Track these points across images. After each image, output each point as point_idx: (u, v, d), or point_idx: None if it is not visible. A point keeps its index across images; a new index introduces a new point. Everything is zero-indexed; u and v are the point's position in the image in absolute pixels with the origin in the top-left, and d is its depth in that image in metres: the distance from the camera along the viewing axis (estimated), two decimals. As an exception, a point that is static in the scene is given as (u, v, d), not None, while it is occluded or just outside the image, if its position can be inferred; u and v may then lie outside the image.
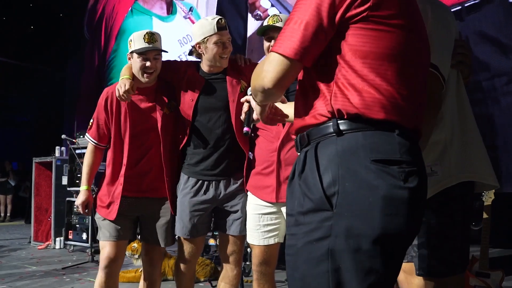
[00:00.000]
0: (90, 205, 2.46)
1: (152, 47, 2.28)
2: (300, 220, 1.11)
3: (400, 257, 1.10)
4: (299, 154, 1.22)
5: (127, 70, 2.35)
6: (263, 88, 1.15)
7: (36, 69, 10.46)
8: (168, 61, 2.45)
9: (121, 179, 2.34)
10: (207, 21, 2.27)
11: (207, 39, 2.26)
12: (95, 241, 4.80)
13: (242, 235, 2.32)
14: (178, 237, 2.38)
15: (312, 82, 1.17)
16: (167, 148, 2.36)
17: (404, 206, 1.04)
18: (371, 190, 1.03)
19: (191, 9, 6.59)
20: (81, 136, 4.86)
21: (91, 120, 2.44)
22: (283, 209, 2.20)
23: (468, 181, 1.50)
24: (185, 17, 6.56)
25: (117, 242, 2.34)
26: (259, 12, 5.83)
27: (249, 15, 5.86)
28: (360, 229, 1.03)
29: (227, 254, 2.35)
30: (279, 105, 1.82)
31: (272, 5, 5.58)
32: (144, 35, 2.29)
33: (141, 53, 2.27)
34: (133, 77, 2.32)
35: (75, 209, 5.35)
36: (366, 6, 1.09)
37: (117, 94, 2.24)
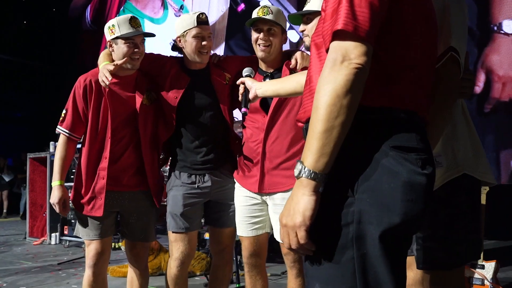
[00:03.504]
0: (67, 202, 2.31)
1: (140, 31, 2.23)
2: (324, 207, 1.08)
3: (409, 244, 1.12)
4: None
5: (106, 57, 2.26)
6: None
7: (30, 65, 10.40)
8: (151, 54, 2.39)
9: (102, 173, 2.24)
10: (188, 15, 2.26)
11: (187, 33, 2.24)
12: (90, 236, 4.78)
13: (233, 228, 2.32)
14: (172, 232, 2.32)
15: (319, 73, 1.11)
16: (146, 141, 2.30)
17: (422, 192, 1.05)
18: (392, 176, 1.03)
19: (181, 7, 6.54)
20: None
21: (64, 111, 2.31)
22: (267, 200, 2.22)
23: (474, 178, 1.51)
24: (176, 15, 6.51)
25: (102, 239, 2.27)
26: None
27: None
28: (382, 215, 1.03)
29: (219, 248, 2.35)
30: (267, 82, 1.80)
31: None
32: (130, 20, 2.22)
33: (129, 38, 2.20)
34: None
35: (70, 205, 5.32)
36: None
37: (103, 77, 2.14)
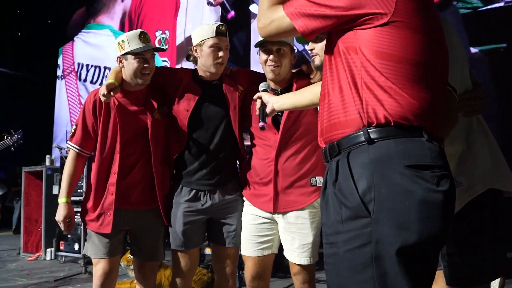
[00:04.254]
0: (73, 220, 2.28)
1: (150, 46, 2.22)
2: (339, 228, 1.13)
3: (435, 260, 1.14)
4: (328, 164, 1.24)
5: (113, 74, 2.25)
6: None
7: (25, 77, 10.32)
8: (163, 67, 2.39)
9: (111, 189, 2.21)
10: (208, 25, 2.24)
11: (204, 42, 2.22)
12: (87, 251, 4.71)
13: (236, 247, 2.28)
14: (173, 249, 2.30)
15: (336, 89, 1.18)
16: (158, 156, 2.27)
17: (439, 209, 1.07)
18: (407, 195, 1.06)
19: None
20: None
21: (74, 127, 2.30)
22: (278, 219, 2.18)
23: (495, 188, 1.51)
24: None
25: (110, 258, 2.23)
26: (211, 0, 5.84)
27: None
28: (398, 234, 1.05)
29: (221, 266, 2.30)
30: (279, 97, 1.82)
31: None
32: (140, 35, 2.21)
33: (139, 53, 2.19)
34: (122, 81, 2.24)
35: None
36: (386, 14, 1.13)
37: (102, 99, 2.15)
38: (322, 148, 1.28)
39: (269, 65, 2.17)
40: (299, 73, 2.26)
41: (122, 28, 7.48)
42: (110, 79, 2.22)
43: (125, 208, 2.25)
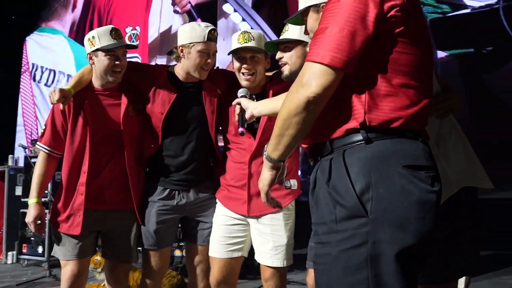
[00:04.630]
0: (44, 221, 2.21)
1: (122, 43, 2.14)
2: (333, 228, 1.12)
3: (427, 260, 1.15)
4: (317, 163, 1.23)
5: (77, 77, 2.17)
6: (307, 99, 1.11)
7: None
8: (136, 63, 2.31)
9: (81, 189, 2.14)
10: (200, 27, 2.14)
11: (193, 45, 2.13)
12: (51, 253, 4.55)
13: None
14: (144, 249, 2.25)
15: (336, 93, 1.15)
16: (132, 155, 2.20)
17: (433, 210, 1.09)
18: (405, 195, 1.07)
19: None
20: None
21: (43, 127, 2.23)
22: (252, 222, 2.16)
23: (471, 187, 1.52)
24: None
25: (80, 260, 2.16)
26: (177, 8, 5.84)
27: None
28: (397, 234, 1.05)
29: (195, 265, 2.25)
30: (257, 102, 1.80)
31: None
32: (111, 31, 2.13)
33: (110, 49, 2.11)
34: (91, 80, 2.18)
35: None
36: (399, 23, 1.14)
37: (49, 101, 2.08)
38: (307, 147, 1.28)
39: (243, 73, 2.13)
40: (273, 78, 2.23)
41: (74, 36, 7.38)
42: (69, 84, 2.14)
43: (97, 208, 2.18)
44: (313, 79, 1.09)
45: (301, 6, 1.71)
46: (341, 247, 1.09)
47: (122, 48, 2.15)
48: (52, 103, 2.08)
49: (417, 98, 1.15)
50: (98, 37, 2.12)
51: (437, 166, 1.16)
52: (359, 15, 1.09)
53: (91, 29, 6.95)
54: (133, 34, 6.34)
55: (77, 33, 7.25)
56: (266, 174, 1.31)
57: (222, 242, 2.16)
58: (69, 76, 7.26)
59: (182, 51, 2.17)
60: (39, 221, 2.19)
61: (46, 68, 7.65)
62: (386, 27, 1.11)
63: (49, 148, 2.19)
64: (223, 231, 2.17)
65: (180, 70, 2.23)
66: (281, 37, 2.06)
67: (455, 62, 4.56)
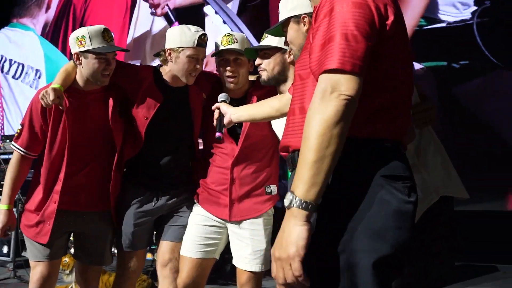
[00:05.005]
0: (13, 228, 2.14)
1: (114, 46, 2.07)
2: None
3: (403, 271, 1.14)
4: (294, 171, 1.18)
5: (62, 75, 2.06)
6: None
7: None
8: (122, 62, 2.23)
9: (55, 196, 2.07)
10: (190, 32, 2.11)
11: (182, 50, 2.10)
12: (17, 255, 4.42)
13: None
14: (120, 251, 2.22)
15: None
16: (113, 158, 2.15)
17: (410, 220, 1.09)
18: (383, 205, 1.06)
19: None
20: (7, 140, 4.44)
21: (19, 127, 2.12)
22: (230, 226, 2.16)
23: (447, 197, 1.55)
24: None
25: (50, 261, 2.10)
26: (153, 10, 5.82)
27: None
28: (374, 243, 1.05)
29: (165, 263, 2.20)
30: (236, 108, 1.81)
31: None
32: (103, 32, 2.03)
33: (101, 53, 2.02)
34: (74, 80, 2.09)
35: None
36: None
37: (43, 104, 1.98)
38: (288, 155, 1.26)
39: (227, 76, 2.13)
40: (255, 82, 2.23)
41: (46, 35, 7.24)
42: (57, 83, 2.03)
43: (69, 209, 2.11)
44: (340, 85, 1.03)
45: (282, 17, 1.72)
46: (319, 257, 1.08)
47: (112, 52, 2.08)
48: (46, 105, 1.97)
49: (397, 108, 1.16)
50: (90, 37, 2.02)
51: (414, 177, 1.17)
52: (366, 21, 1.08)
53: (66, 30, 6.81)
54: None
55: (51, 33, 7.10)
56: (299, 232, 1.01)
57: (197, 241, 2.15)
58: (37, 70, 7.11)
59: (170, 54, 2.14)
60: (8, 229, 2.11)
61: (15, 61, 7.49)
62: (383, 36, 1.12)
63: (25, 150, 2.10)
64: (199, 230, 2.16)
65: (167, 73, 2.20)
66: (260, 44, 2.08)
67: (430, 74, 4.65)
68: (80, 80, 2.11)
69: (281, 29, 1.74)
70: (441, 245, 1.56)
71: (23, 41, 7.51)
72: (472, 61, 4.56)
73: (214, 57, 2.22)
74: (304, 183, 1.01)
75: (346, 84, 1.03)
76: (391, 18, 1.13)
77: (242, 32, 5.21)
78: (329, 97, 1.02)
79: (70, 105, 2.06)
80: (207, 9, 5.52)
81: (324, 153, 1.01)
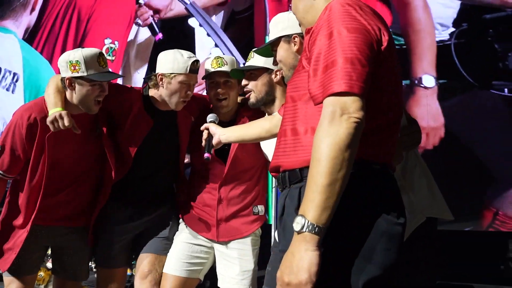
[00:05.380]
0: None
1: (109, 73, 2.03)
2: None
3: None
4: (286, 190, 1.23)
5: (57, 96, 1.99)
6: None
7: None
8: (112, 86, 2.21)
9: (28, 227, 2.01)
10: (182, 58, 2.11)
11: (174, 76, 2.10)
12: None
13: (164, 256, 2.19)
14: (98, 269, 2.21)
15: (308, 120, 1.18)
16: (96, 179, 2.16)
17: (398, 241, 1.11)
18: (372, 226, 1.08)
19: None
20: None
21: None
22: (217, 246, 2.16)
23: (431, 217, 1.59)
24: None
25: (25, 277, 2.06)
26: (139, 21, 5.83)
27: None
28: (363, 264, 1.06)
29: (144, 275, 2.15)
30: (226, 129, 1.82)
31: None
32: (98, 58, 1.96)
33: (97, 80, 1.97)
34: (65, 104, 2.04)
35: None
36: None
37: (52, 129, 1.94)
38: (279, 175, 1.27)
39: (217, 98, 2.15)
40: (244, 104, 2.26)
41: (27, 39, 7.09)
42: (59, 106, 1.95)
43: (48, 225, 2.09)
44: (348, 107, 1.04)
45: (272, 36, 1.74)
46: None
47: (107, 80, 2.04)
48: (55, 130, 1.93)
49: (387, 130, 1.19)
50: (85, 64, 1.95)
51: (402, 199, 1.19)
52: (367, 46, 1.11)
53: (66, 34, 6.62)
54: (111, 48, 6.06)
55: (33, 36, 6.93)
56: (312, 257, 1.01)
57: (182, 259, 2.14)
58: (15, 74, 6.95)
59: (161, 79, 2.13)
60: None
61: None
62: (378, 60, 1.15)
63: (3, 172, 2.03)
64: (185, 248, 2.15)
65: (156, 98, 2.19)
66: (246, 64, 2.11)
67: (408, 91, 4.75)
68: (69, 103, 2.05)
69: (270, 49, 1.77)
70: (426, 264, 1.59)
71: (2, 45, 7.36)
72: (450, 80, 4.69)
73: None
74: (316, 206, 1.01)
75: (354, 106, 1.04)
76: (385, 42, 1.16)
77: (226, 45, 5.24)
78: (339, 119, 1.03)
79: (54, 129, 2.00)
80: (192, 21, 5.53)
81: (336, 176, 1.01)
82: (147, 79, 2.26)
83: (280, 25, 1.71)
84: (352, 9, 1.15)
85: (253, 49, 2.02)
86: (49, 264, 2.43)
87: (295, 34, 1.64)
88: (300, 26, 1.43)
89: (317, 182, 1.01)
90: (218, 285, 2.18)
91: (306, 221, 1.01)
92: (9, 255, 2.02)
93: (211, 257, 2.20)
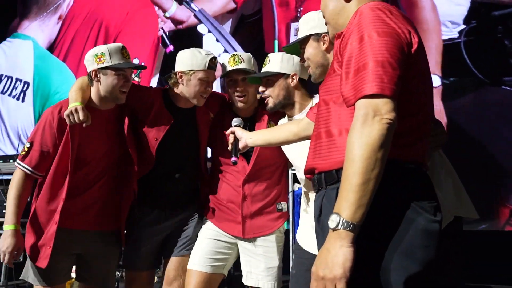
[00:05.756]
0: (20, 252, 2.05)
1: (131, 63, 2.11)
2: None
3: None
4: (322, 191, 1.25)
5: (79, 92, 2.05)
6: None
7: None
8: (133, 85, 2.25)
9: (56, 217, 2.02)
10: (200, 55, 2.14)
11: (193, 73, 2.13)
12: (8, 278, 4.30)
13: (187, 257, 2.21)
14: (127, 272, 2.23)
15: (341, 122, 1.20)
16: (122, 176, 2.17)
17: (437, 238, 1.13)
18: (410, 224, 1.10)
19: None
20: (1, 161, 4.35)
21: (27, 145, 2.07)
22: (241, 243, 2.17)
23: (457, 217, 1.58)
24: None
25: (53, 287, 2.07)
26: None
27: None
28: (404, 261, 1.08)
29: (169, 281, 2.19)
30: (250, 133, 1.83)
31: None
32: (122, 49, 2.05)
33: (121, 69, 2.04)
34: (88, 99, 2.09)
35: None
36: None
37: (68, 122, 1.98)
38: (314, 177, 1.29)
39: (236, 95, 2.17)
40: (263, 99, 2.27)
41: (49, 47, 7.12)
42: (77, 100, 2.02)
43: (77, 229, 2.09)
44: (380, 109, 1.08)
45: (302, 34, 1.77)
46: (353, 275, 1.08)
47: (130, 68, 2.11)
48: (71, 123, 1.97)
49: (419, 131, 1.21)
50: (109, 54, 2.04)
51: (437, 197, 1.21)
52: (397, 49, 1.13)
53: (92, 46, 6.58)
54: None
55: (106, 38, 6.83)
56: (347, 253, 1.05)
57: (207, 255, 2.15)
58: (26, 82, 6.98)
59: (181, 77, 2.17)
60: (16, 252, 2.03)
61: (5, 76, 7.35)
62: (409, 62, 1.17)
63: (31, 169, 2.07)
64: (210, 244, 2.16)
65: (176, 95, 2.22)
66: (262, 70, 2.12)
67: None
68: (95, 98, 2.12)
69: (298, 47, 1.79)
70: (454, 264, 1.59)
71: (17, 53, 7.37)
72: (461, 78, 4.68)
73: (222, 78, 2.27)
74: (350, 205, 1.05)
75: (386, 108, 1.08)
76: (415, 44, 1.18)
77: (234, 49, 5.27)
78: (371, 121, 1.07)
79: (80, 124, 2.04)
80: (201, 27, 5.57)
81: (370, 175, 1.05)
82: (167, 78, 2.29)
83: (310, 23, 1.73)
84: (382, 13, 1.18)
85: (282, 47, 2.04)
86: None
87: (324, 33, 1.66)
88: (326, 24, 1.45)
89: (351, 182, 1.05)
90: (243, 281, 2.20)
91: (341, 219, 1.05)
92: (45, 250, 2.02)
93: (235, 252, 2.22)
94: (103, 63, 2.05)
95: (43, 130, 2.07)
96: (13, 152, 6.14)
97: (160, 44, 5.92)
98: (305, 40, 1.75)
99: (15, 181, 2.08)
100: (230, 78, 2.20)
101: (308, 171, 1.33)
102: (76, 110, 1.96)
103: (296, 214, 3.29)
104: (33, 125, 6.69)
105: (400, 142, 1.16)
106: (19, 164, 2.09)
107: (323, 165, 1.24)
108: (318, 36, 1.70)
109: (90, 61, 2.08)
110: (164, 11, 5.95)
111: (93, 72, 2.08)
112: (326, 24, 1.45)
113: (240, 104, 2.19)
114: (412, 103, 1.19)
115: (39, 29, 7.27)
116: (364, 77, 1.11)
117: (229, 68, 2.19)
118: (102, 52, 2.05)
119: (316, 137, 1.31)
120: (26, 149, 2.08)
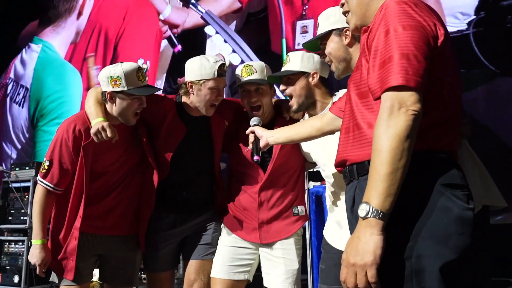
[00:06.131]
0: (48, 264, 2.14)
1: (148, 87, 2.08)
2: None
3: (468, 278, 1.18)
4: (354, 182, 1.27)
5: (98, 108, 2.06)
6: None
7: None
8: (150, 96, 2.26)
9: (75, 233, 2.07)
10: (209, 63, 2.13)
11: (203, 82, 2.12)
12: (29, 283, 4.37)
13: (210, 260, 2.22)
14: (148, 273, 2.27)
15: (370, 115, 1.23)
16: (138, 185, 2.21)
17: (471, 225, 1.14)
18: (445, 212, 1.12)
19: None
20: (17, 169, 4.40)
21: (46, 163, 2.10)
22: (261, 249, 2.18)
23: (484, 207, 1.58)
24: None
25: (79, 285, 2.13)
26: None
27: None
28: (439, 249, 1.09)
29: (190, 283, 2.22)
30: (269, 131, 1.83)
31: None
32: (138, 72, 2.03)
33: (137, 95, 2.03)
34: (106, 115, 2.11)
35: (5, 249, 4.81)
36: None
37: (96, 140, 2.00)
38: (346, 168, 1.31)
39: (251, 106, 2.17)
40: (280, 105, 2.28)
41: (70, 53, 7.11)
42: (100, 116, 2.03)
43: (98, 234, 2.14)
44: (406, 100, 1.10)
45: (323, 29, 1.77)
46: (385, 262, 1.10)
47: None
48: (98, 140, 2.00)
49: (449, 122, 1.22)
50: (125, 79, 2.02)
51: (469, 185, 1.22)
52: (423, 42, 1.15)
53: (95, 53, 6.56)
54: (144, 68, 6.00)
55: (105, 43, 6.81)
56: (377, 241, 1.08)
57: (228, 263, 2.16)
58: (27, 89, 6.99)
59: (191, 87, 2.16)
60: (45, 264, 2.11)
61: (20, 85, 7.37)
62: (436, 55, 1.18)
63: (53, 186, 2.10)
64: (231, 252, 2.17)
65: (189, 105, 2.22)
66: (283, 69, 2.11)
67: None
68: (108, 115, 2.13)
69: (318, 42, 1.79)
70: (477, 256, 1.58)
71: (31, 60, 7.37)
72: (471, 70, 4.65)
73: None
74: (379, 194, 1.08)
75: (411, 100, 1.10)
76: (441, 37, 1.19)
77: (242, 49, 5.27)
78: (397, 112, 1.09)
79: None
80: (208, 29, 5.58)
81: (397, 165, 1.08)
82: (177, 88, 2.29)
83: (331, 18, 1.73)
84: (408, 6, 1.19)
85: (303, 43, 2.03)
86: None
87: (346, 27, 1.66)
88: (344, 15, 1.44)
89: (379, 171, 1.08)
90: (264, 284, 2.20)
91: (371, 208, 1.08)
92: (67, 263, 2.08)
93: (257, 257, 2.23)
94: (118, 87, 2.04)
95: (60, 148, 2.10)
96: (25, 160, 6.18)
97: (168, 44, 5.94)
98: (326, 35, 1.75)
99: (38, 197, 2.13)
100: (243, 89, 2.21)
101: (339, 164, 1.35)
102: (103, 128, 1.99)
103: (311, 212, 3.28)
104: (26, 129, 6.74)
105: (433, 133, 1.18)
106: (41, 182, 2.14)
107: (355, 156, 1.27)
108: (339, 31, 1.70)
109: (105, 82, 2.07)
110: (158, 13, 5.95)
111: (108, 95, 2.09)
112: (344, 14, 1.43)
113: (255, 115, 2.19)
114: (440, 96, 1.20)
115: (54, 31, 7.24)
116: (389, 69, 1.13)
117: (241, 79, 2.19)
118: (118, 76, 2.03)
119: (346, 130, 1.33)
120: (46, 167, 2.12)
